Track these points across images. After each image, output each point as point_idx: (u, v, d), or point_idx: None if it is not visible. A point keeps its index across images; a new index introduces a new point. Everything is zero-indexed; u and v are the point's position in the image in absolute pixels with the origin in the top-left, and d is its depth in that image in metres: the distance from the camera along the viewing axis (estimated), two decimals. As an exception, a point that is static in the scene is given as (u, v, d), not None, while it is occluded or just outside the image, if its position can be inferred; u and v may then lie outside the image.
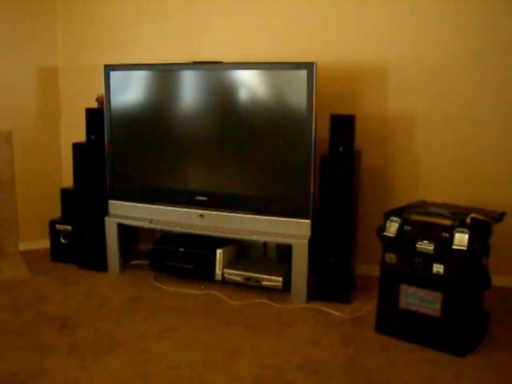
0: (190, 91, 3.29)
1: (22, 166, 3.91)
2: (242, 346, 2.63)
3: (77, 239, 3.68)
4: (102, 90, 3.49)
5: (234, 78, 3.17)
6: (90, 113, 3.53)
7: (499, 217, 2.63)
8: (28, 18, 3.85)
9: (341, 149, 3.07)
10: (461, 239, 2.46)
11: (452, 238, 2.49)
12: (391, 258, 2.68)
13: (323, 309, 3.04)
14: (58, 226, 3.77)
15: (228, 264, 3.38)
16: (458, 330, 2.53)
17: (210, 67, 3.22)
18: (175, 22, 3.77)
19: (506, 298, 3.21)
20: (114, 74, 3.43)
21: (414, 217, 2.67)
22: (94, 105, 3.61)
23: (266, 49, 3.58)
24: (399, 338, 2.68)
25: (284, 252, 3.38)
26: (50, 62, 3.99)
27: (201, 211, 3.32)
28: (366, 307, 3.03)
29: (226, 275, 3.31)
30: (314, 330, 2.81)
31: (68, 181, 3.88)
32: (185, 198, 3.37)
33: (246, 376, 2.37)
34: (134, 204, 3.49)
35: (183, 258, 3.42)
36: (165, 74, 3.33)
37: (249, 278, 3.26)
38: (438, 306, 2.56)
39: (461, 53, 3.27)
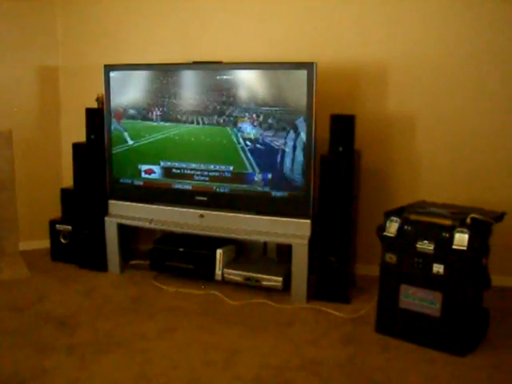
0: (189, 91, 3.29)
1: (22, 166, 3.90)
2: (242, 346, 2.63)
3: (77, 239, 3.67)
4: (102, 90, 3.50)
5: (234, 78, 3.17)
6: (89, 113, 3.54)
7: (499, 217, 2.63)
8: (28, 18, 3.85)
9: (341, 149, 3.07)
10: (461, 239, 2.46)
11: (452, 238, 2.49)
12: (391, 258, 2.68)
13: (323, 309, 3.04)
14: (58, 226, 3.77)
15: (228, 264, 3.38)
16: (458, 330, 2.53)
17: (209, 67, 3.22)
18: (175, 22, 3.77)
19: (506, 298, 3.21)
20: (113, 74, 3.43)
21: (413, 217, 2.67)
22: (94, 105, 3.61)
23: (266, 49, 3.57)
24: (399, 338, 2.68)
25: (284, 252, 3.38)
26: (50, 62, 3.99)
27: (201, 211, 3.32)
28: (366, 307, 3.03)
29: (225, 275, 3.31)
30: (314, 330, 2.81)
31: (68, 181, 3.88)
32: (185, 198, 3.37)
33: (246, 376, 2.37)
34: (134, 204, 3.49)
35: (183, 258, 3.42)
36: (165, 74, 3.32)
37: (249, 278, 3.26)
38: (438, 306, 2.56)
39: (460, 53, 3.27)
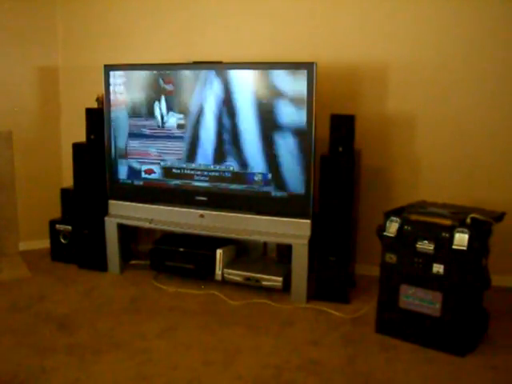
0: (189, 91, 3.29)
1: (22, 166, 3.91)
2: (242, 346, 2.63)
3: (77, 239, 3.67)
4: (102, 90, 3.50)
5: (234, 78, 3.17)
6: (89, 113, 3.54)
7: (499, 217, 2.63)
8: (28, 18, 3.85)
9: (341, 149, 3.07)
10: (461, 239, 2.46)
11: (452, 237, 2.49)
12: (391, 257, 2.68)
13: (323, 309, 3.04)
14: (57, 225, 3.77)
15: (228, 264, 3.38)
16: (458, 330, 2.53)
17: (210, 67, 3.22)
18: (175, 22, 3.77)
19: (505, 298, 3.21)
20: (113, 74, 3.43)
21: (413, 217, 2.66)
22: (94, 105, 3.61)
23: (266, 49, 3.57)
24: (399, 338, 2.68)
25: (284, 252, 3.38)
26: (50, 62, 3.99)
27: (201, 211, 3.32)
28: (366, 307, 3.03)
29: (225, 275, 3.31)
30: (314, 330, 2.81)
31: (68, 181, 3.88)
32: (185, 198, 3.37)
33: (246, 376, 2.37)
34: (133, 204, 3.49)
35: (183, 258, 3.42)
36: (165, 74, 3.32)
37: (249, 278, 3.26)
38: (438, 305, 2.56)
39: (460, 53, 3.27)
